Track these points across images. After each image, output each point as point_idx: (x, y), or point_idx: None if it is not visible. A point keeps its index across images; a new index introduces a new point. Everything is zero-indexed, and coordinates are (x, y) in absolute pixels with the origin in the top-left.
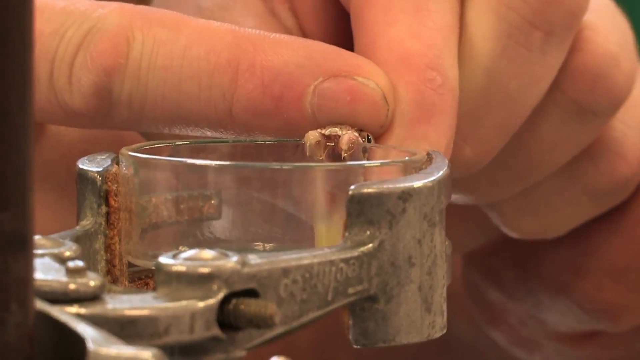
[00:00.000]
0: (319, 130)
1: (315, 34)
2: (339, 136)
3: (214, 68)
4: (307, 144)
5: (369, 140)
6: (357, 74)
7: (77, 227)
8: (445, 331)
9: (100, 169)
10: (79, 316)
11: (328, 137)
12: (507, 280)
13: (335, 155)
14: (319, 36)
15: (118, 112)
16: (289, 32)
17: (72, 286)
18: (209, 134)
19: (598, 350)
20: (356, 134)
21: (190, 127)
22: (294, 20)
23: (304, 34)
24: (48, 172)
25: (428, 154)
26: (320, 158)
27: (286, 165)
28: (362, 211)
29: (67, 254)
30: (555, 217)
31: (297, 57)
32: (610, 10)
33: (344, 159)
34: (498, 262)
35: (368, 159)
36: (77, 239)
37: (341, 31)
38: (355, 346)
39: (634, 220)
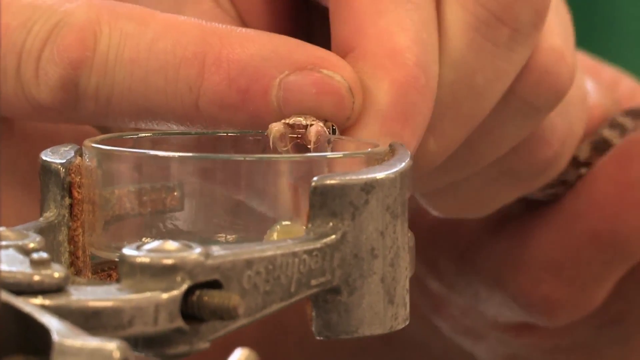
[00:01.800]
0: (283, 120)
1: (256, 25)
2: (304, 125)
3: (181, 61)
4: (271, 136)
5: (333, 131)
6: (323, 67)
7: (41, 219)
8: (407, 323)
9: (64, 161)
10: (44, 307)
11: (292, 127)
12: (447, 272)
13: (299, 146)
14: (260, 28)
15: (84, 106)
16: (234, 24)
17: (36, 278)
18: (175, 127)
19: (539, 339)
20: (321, 124)
21: (156, 121)
22: (234, 11)
23: (245, 26)
24: (11, 168)
25: (390, 145)
26: (285, 149)
27: (249, 157)
28: (325, 203)
29: (31, 245)
30: (477, 198)
31: (263, 50)
32: (553, 3)
33: (311, 151)
34: (437, 253)
35: (332, 150)
36: (40, 231)
37: (282, 22)
38: (318, 337)
39: (571, 214)
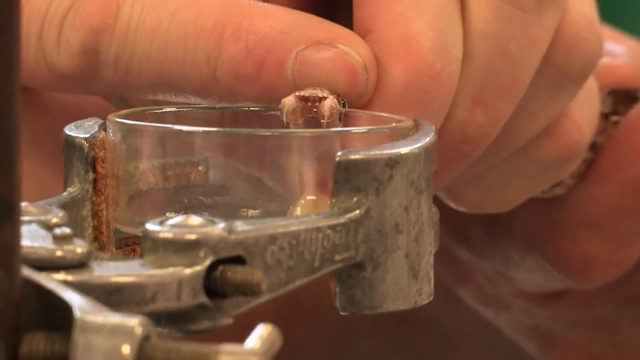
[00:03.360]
0: (296, 92)
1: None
2: (319, 98)
3: (201, 31)
4: (284, 110)
5: (343, 105)
6: (339, 42)
7: (65, 194)
8: (432, 298)
9: (88, 136)
10: (66, 283)
11: (307, 99)
12: (475, 238)
13: (311, 120)
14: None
15: (104, 74)
16: None
17: (58, 253)
18: (192, 99)
19: (563, 310)
20: (335, 100)
21: (174, 92)
22: None
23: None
24: (34, 142)
25: (415, 120)
26: (296, 123)
27: (274, 132)
28: (349, 178)
29: (54, 220)
30: (504, 190)
31: (282, 24)
32: None
33: (324, 125)
34: (466, 220)
35: (344, 125)
36: (64, 206)
37: (305, 3)
38: (342, 313)
39: (610, 164)
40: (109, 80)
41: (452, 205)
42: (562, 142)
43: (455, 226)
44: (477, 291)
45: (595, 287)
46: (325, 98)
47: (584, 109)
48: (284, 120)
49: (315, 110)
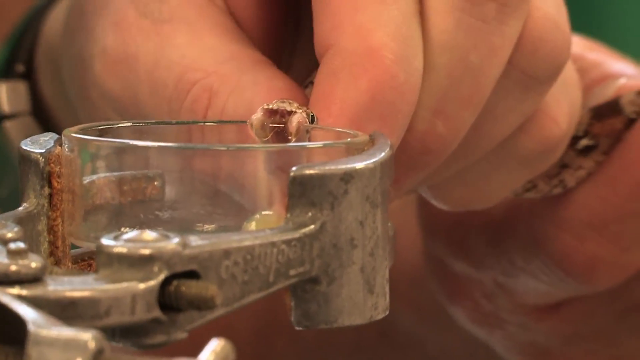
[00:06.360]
0: (264, 105)
1: (243, 16)
2: (287, 112)
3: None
4: (253, 127)
5: (312, 120)
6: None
7: (20, 209)
8: (387, 312)
9: (43, 151)
10: (20, 298)
11: (275, 112)
12: (476, 248)
13: (279, 135)
14: (249, 19)
15: None
16: (220, 14)
17: (13, 268)
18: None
19: (562, 323)
20: (304, 114)
21: None
22: (222, 1)
23: (235, 17)
24: None
25: (370, 135)
26: (266, 139)
27: (230, 147)
28: (304, 192)
29: (9, 235)
30: (486, 186)
31: None
32: None
33: (292, 141)
34: (464, 231)
35: (310, 140)
36: (19, 221)
37: (270, 14)
38: (297, 328)
39: (620, 166)
40: None
41: (436, 204)
42: (539, 138)
43: (453, 238)
44: (473, 309)
45: (597, 293)
46: (293, 113)
47: (560, 101)
48: (253, 136)
49: (283, 124)
